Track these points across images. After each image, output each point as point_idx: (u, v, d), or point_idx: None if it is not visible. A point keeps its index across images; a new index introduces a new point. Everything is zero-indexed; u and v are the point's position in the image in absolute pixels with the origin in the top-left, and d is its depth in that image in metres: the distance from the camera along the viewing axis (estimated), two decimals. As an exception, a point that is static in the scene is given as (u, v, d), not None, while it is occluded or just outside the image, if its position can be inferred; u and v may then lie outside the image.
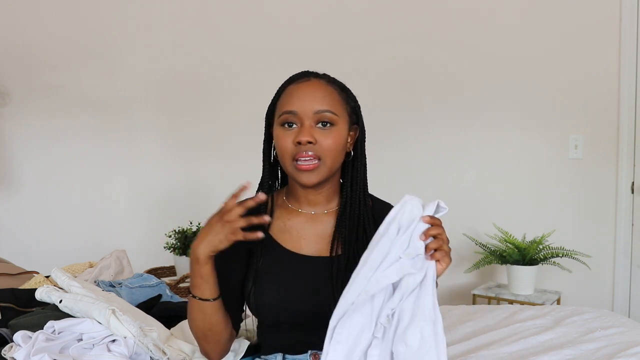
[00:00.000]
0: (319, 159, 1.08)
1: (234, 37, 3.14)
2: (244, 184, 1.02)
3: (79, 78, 3.15)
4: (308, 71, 1.16)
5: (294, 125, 1.09)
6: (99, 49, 3.16)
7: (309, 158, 1.07)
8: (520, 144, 2.80)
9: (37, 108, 3.12)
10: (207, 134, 3.21)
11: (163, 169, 3.24)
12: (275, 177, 1.22)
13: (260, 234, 0.99)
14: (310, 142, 1.07)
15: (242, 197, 1.03)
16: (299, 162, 1.08)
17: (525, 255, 2.46)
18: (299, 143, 1.07)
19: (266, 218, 1.01)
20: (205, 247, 1.02)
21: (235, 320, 1.17)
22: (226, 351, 1.18)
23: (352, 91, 1.18)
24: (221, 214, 1.01)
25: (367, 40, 2.96)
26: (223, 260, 1.09)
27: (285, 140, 1.09)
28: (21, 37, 3.10)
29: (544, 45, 2.71)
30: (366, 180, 1.18)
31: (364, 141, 1.18)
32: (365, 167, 1.18)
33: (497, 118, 2.82)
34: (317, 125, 1.09)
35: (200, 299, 1.07)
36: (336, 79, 1.17)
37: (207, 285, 1.06)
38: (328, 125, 1.09)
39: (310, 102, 1.09)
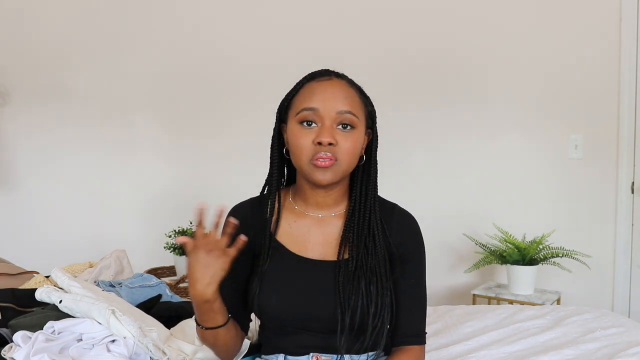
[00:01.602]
0: (336, 160, 1.06)
1: (234, 39, 3.14)
2: (218, 208, 1.01)
3: (79, 78, 3.15)
4: (329, 70, 1.12)
5: (314, 125, 1.06)
6: (99, 49, 3.16)
7: (327, 159, 1.04)
8: (520, 144, 2.79)
9: (37, 108, 3.12)
10: (207, 134, 3.21)
11: (163, 169, 3.24)
12: (283, 174, 1.19)
13: (243, 237, 1.02)
14: (330, 144, 1.04)
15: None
16: (317, 160, 1.05)
17: (525, 255, 2.46)
18: (319, 143, 1.04)
19: (242, 238, 1.03)
20: (210, 285, 1.01)
21: (244, 323, 1.18)
22: (238, 351, 1.21)
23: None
24: (206, 248, 1.01)
25: (368, 41, 2.96)
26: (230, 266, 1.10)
27: (303, 138, 1.05)
28: (21, 38, 3.10)
29: (544, 46, 2.71)
30: (377, 184, 1.16)
31: (377, 146, 1.16)
32: (377, 172, 1.16)
33: (497, 118, 2.82)
34: (338, 127, 1.06)
35: (212, 328, 1.07)
36: (355, 82, 1.14)
37: (218, 315, 1.06)
38: (348, 127, 1.07)
39: (332, 102, 1.06)
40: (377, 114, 1.17)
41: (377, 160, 1.16)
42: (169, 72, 3.19)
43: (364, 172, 1.14)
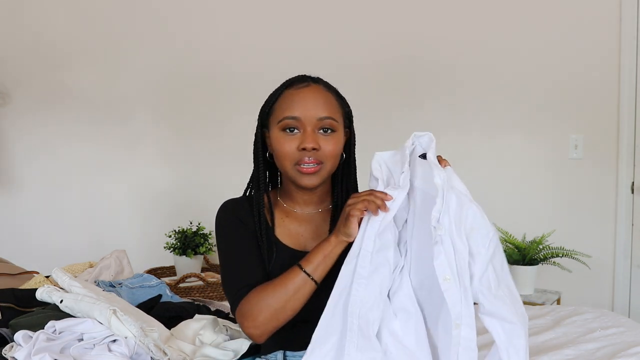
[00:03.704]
0: (321, 163, 1.12)
1: (236, 39, 3.14)
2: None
3: (79, 78, 3.15)
4: (305, 75, 1.18)
5: (296, 131, 1.12)
6: (100, 49, 3.16)
7: (311, 164, 1.11)
8: (520, 144, 2.79)
9: (37, 108, 3.12)
10: (208, 135, 3.21)
11: (163, 170, 3.24)
12: (267, 177, 1.24)
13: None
14: (314, 149, 1.10)
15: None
16: (301, 166, 1.11)
17: (525, 255, 2.46)
18: (304, 149, 1.10)
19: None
20: (337, 232, 1.04)
21: None
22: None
23: (350, 91, 1.22)
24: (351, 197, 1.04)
25: (366, 40, 2.96)
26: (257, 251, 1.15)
27: (287, 145, 1.12)
28: (21, 38, 3.10)
29: (544, 45, 2.71)
30: (357, 180, 1.24)
31: (355, 144, 1.23)
32: (356, 168, 1.23)
33: (497, 118, 2.82)
34: (319, 132, 1.12)
35: (311, 277, 1.04)
36: (330, 85, 1.20)
37: (323, 266, 1.05)
38: (329, 131, 1.13)
39: (312, 109, 1.12)
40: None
41: (355, 157, 1.23)
42: (170, 72, 3.19)
43: (344, 169, 1.21)
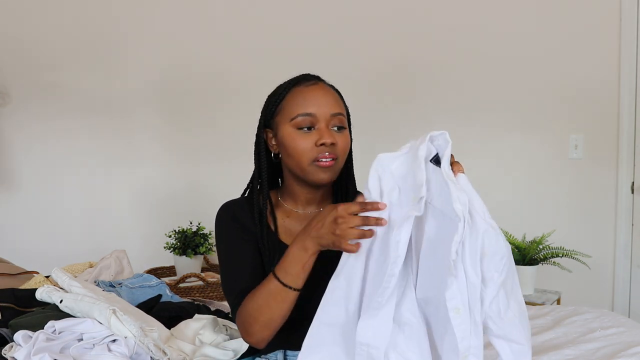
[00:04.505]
0: (336, 158, 1.13)
1: (235, 38, 3.14)
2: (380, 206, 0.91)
3: (79, 78, 3.15)
4: (310, 74, 1.19)
5: (311, 127, 1.12)
6: (100, 48, 3.16)
7: (329, 158, 1.11)
8: (520, 144, 2.79)
9: (37, 108, 3.12)
10: (208, 135, 3.21)
11: (163, 169, 3.24)
12: (271, 176, 1.23)
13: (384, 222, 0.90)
14: (332, 144, 1.11)
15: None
16: (320, 161, 1.11)
17: (525, 255, 2.46)
18: (322, 145, 1.10)
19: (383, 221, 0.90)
20: (315, 241, 0.99)
21: None
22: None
23: (350, 90, 1.25)
24: (338, 216, 0.94)
25: (367, 41, 2.96)
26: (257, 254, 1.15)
27: (304, 142, 1.11)
28: (21, 37, 3.10)
29: (544, 45, 2.71)
30: (354, 179, 1.26)
31: (351, 143, 1.23)
32: (353, 166, 1.25)
33: (497, 118, 2.82)
34: (333, 128, 1.13)
35: (292, 288, 1.03)
36: (331, 84, 1.21)
37: (303, 275, 1.03)
38: (341, 127, 1.14)
39: (325, 105, 1.13)
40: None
41: (352, 157, 1.24)
42: (170, 72, 3.19)
43: (343, 169, 1.20)
